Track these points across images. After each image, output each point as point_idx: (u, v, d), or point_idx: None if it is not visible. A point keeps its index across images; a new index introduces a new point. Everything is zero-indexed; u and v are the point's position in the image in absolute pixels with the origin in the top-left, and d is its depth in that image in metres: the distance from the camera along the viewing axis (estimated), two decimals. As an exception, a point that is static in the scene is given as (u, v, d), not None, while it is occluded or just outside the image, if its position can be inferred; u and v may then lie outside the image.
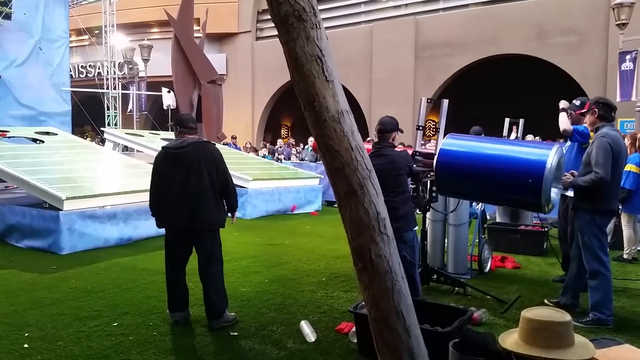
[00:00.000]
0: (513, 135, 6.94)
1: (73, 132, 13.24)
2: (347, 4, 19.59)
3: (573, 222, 4.40)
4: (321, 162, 2.22)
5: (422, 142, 5.25)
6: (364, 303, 2.33)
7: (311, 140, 12.34)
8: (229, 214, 4.03)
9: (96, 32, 18.98)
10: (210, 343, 3.58)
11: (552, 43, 14.94)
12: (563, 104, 4.96)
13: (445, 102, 4.76)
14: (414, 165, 4.30)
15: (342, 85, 1.90)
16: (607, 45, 13.97)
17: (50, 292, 4.64)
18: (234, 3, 21.68)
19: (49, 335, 3.64)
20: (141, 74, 19.25)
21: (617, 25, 11.49)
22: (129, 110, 19.66)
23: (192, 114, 12.18)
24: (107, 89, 17.89)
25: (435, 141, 6.30)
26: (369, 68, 18.39)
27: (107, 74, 18.20)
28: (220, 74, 15.03)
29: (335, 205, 2.01)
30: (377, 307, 1.93)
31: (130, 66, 18.50)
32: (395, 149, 4.36)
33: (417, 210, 4.72)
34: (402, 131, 4.39)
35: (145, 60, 17.83)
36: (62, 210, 6.21)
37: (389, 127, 4.21)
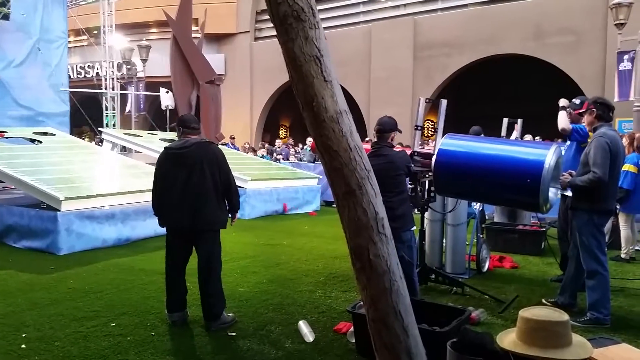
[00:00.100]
0: (514, 135, 6.94)
1: (71, 133, 13.20)
2: (345, 4, 19.59)
3: (572, 222, 4.41)
4: (319, 162, 2.22)
5: (420, 142, 5.25)
6: (362, 303, 2.33)
7: (310, 140, 12.35)
8: (229, 215, 4.02)
9: (94, 32, 18.92)
10: (208, 343, 3.58)
11: (551, 43, 14.96)
12: (563, 102, 4.95)
13: (444, 102, 4.76)
14: (413, 165, 4.31)
15: (341, 85, 1.90)
16: (605, 45, 14.00)
17: (48, 293, 4.64)
18: (233, 3, 21.67)
19: (46, 335, 3.64)
20: (139, 74, 19.21)
21: (615, 25, 11.48)
22: (127, 110, 19.61)
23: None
24: (106, 89, 17.85)
25: (434, 141, 6.30)
26: (368, 68, 18.39)
27: (106, 74, 18.16)
28: (218, 74, 14.99)
29: (334, 205, 2.01)
30: (375, 307, 1.93)
31: (129, 66, 18.45)
32: (394, 149, 4.36)
33: (416, 210, 4.73)
34: (400, 131, 4.40)
35: (144, 61, 17.80)
36: (60, 210, 6.21)
37: (387, 127, 4.22)
